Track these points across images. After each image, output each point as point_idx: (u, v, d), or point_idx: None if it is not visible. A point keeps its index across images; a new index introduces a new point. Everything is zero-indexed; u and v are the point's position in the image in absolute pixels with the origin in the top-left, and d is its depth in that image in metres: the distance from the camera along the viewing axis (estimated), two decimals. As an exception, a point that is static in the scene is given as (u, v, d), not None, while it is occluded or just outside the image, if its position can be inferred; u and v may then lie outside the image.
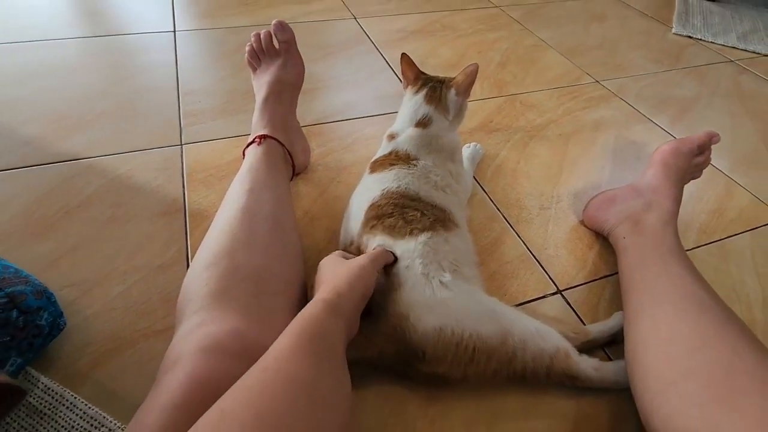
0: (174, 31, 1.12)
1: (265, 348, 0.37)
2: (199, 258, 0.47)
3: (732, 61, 1.22)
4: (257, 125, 0.67)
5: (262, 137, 0.64)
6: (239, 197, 0.54)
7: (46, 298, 0.48)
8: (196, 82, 0.95)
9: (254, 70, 0.73)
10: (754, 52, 1.27)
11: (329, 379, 0.34)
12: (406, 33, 1.20)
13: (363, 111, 0.90)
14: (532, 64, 1.12)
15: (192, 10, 1.23)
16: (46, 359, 0.48)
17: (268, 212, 0.54)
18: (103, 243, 0.61)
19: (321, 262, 0.51)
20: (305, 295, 0.53)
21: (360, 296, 0.44)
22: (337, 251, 0.53)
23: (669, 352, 0.42)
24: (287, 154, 0.67)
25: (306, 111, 0.88)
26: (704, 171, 0.72)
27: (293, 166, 0.69)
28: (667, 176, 0.64)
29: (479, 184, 0.76)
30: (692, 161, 0.67)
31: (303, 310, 0.39)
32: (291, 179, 0.70)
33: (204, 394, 0.31)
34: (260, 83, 0.71)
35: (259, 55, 0.71)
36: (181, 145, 0.78)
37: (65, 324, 0.50)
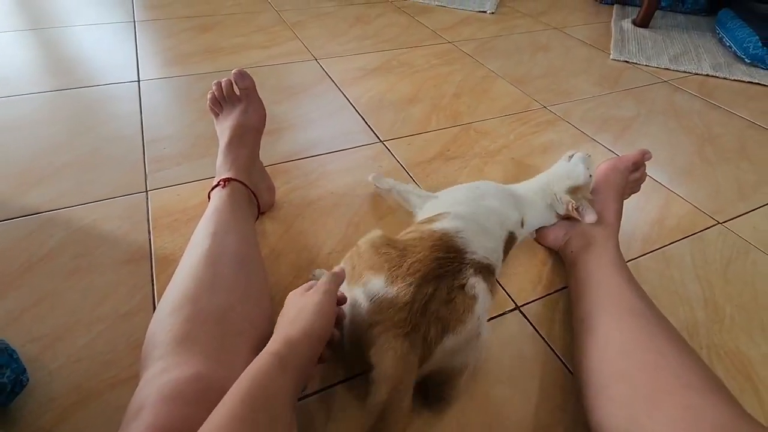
0: (138, 81, 1.15)
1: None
2: (163, 304, 0.48)
3: (665, 81, 1.33)
4: (221, 168, 0.70)
5: (227, 180, 0.66)
6: (203, 241, 0.55)
7: (8, 355, 0.48)
8: (161, 130, 0.97)
9: (216, 115, 0.76)
10: (685, 72, 1.39)
11: None
12: (365, 71, 1.27)
13: (326, 148, 0.94)
14: (484, 93, 1.19)
15: (156, 59, 1.27)
16: (9, 417, 0.48)
17: (233, 253, 0.55)
18: (66, 295, 0.61)
19: (287, 297, 0.52)
20: (269, 327, 0.54)
21: (317, 339, 0.42)
22: (307, 284, 0.52)
23: (603, 357, 0.45)
24: (252, 194, 0.69)
25: (272, 151, 0.91)
26: (646, 185, 0.78)
27: (258, 206, 0.72)
28: (608, 192, 0.70)
29: (438, 210, 0.80)
30: (629, 177, 0.73)
31: (252, 363, 0.38)
32: (257, 219, 0.72)
33: None
34: (223, 128, 0.74)
35: (221, 102, 0.75)
36: (147, 191, 0.80)
37: (28, 380, 0.49)
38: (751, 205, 0.85)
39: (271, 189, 0.78)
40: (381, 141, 0.97)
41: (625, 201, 0.75)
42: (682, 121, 1.13)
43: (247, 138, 0.73)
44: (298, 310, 0.44)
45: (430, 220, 0.59)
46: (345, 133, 1.00)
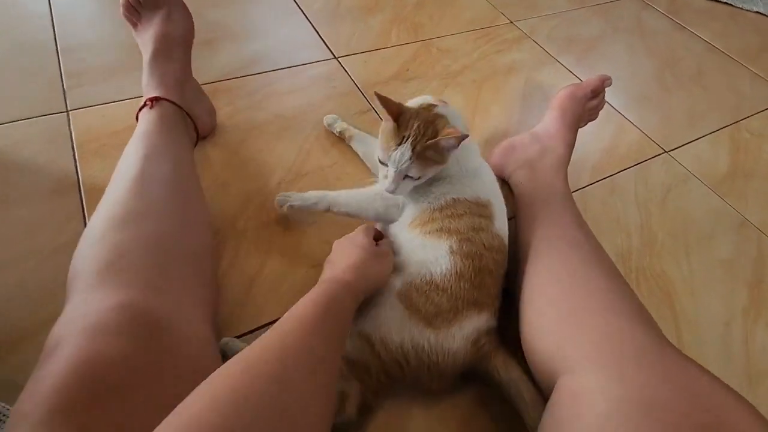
0: (43, -28, 0.96)
1: (163, 320, 0.37)
2: (87, 235, 0.44)
3: (637, -4, 1.27)
4: (148, 87, 0.62)
5: (154, 99, 0.59)
6: (131, 166, 0.50)
7: None
8: (77, 36, 0.84)
9: (135, 26, 0.65)
10: (657, -14, 1.33)
11: (336, 358, 0.37)
12: (317, -30, 1.12)
13: (273, 63, 0.85)
14: (450, 3, 1.09)
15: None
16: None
17: (166, 178, 0.51)
18: (-13, 230, 0.56)
19: (335, 243, 0.53)
20: (214, 264, 0.52)
21: (374, 283, 0.47)
22: (362, 227, 0.54)
23: (539, 286, 0.48)
24: (187, 116, 0.63)
25: (208, 66, 0.81)
26: (602, 111, 0.78)
27: (196, 129, 0.65)
28: (563, 121, 0.69)
29: (394, 136, 0.76)
30: (587, 105, 0.72)
31: (319, 288, 0.41)
32: (196, 144, 0.66)
33: (88, 378, 0.31)
34: (144, 40, 0.64)
35: (137, 8, 0.64)
36: (67, 111, 0.71)
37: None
38: (697, 134, 0.88)
39: (211, 110, 0.71)
40: (335, 57, 0.89)
41: (580, 129, 0.74)
42: (647, 41, 1.11)
43: (175, 51, 0.64)
44: (350, 255, 0.48)
45: (486, 214, 0.54)
46: (295, 46, 0.90)
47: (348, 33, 0.95)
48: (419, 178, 0.52)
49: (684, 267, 0.66)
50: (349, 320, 0.42)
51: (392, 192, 0.52)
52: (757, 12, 1.29)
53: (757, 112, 0.95)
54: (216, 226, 0.59)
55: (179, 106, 0.61)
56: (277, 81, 0.82)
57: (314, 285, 0.57)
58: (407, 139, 0.50)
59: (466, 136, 0.50)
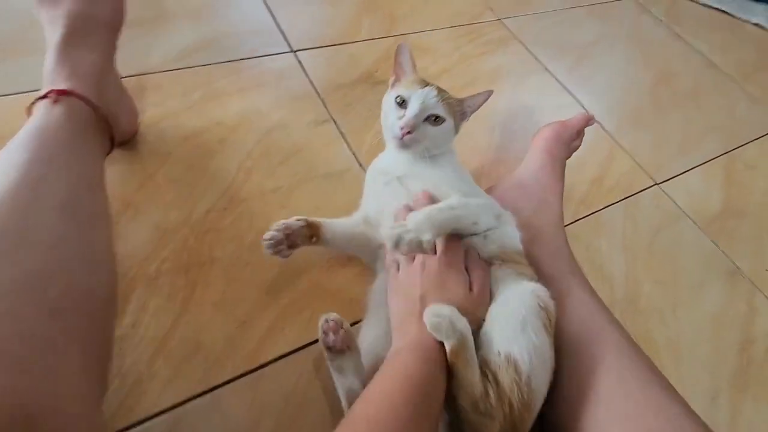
0: None
1: (30, 408, 0.26)
2: None
3: (635, -3, 1.17)
4: (55, 76, 0.47)
5: (62, 93, 0.44)
6: (10, 170, 0.36)
7: None
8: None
9: None
10: (656, -13, 1.23)
11: None
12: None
13: (217, 54, 0.72)
14: (432, -8, 0.97)
15: None
16: None
17: (60, 196, 0.37)
18: None
19: (406, 269, 0.45)
20: (111, 311, 0.39)
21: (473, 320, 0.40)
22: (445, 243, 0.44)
23: (595, 414, 0.37)
24: (103, 120, 0.48)
25: (134, 54, 0.67)
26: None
27: (112, 137, 0.51)
28: (554, 169, 0.60)
29: (356, 157, 0.65)
30: (570, 146, 0.63)
31: (410, 359, 0.36)
32: (108, 154, 0.53)
33: None
34: (53, 16, 0.49)
35: None
36: (-58, 105, 0.56)
37: None
38: (690, 163, 0.80)
39: (132, 112, 0.57)
40: (292, 50, 0.76)
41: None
42: (643, 50, 1.02)
43: (96, 36, 0.49)
44: (441, 286, 0.41)
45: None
46: (245, 33, 0.77)
47: (310, 19, 0.82)
48: (439, 125, 0.49)
49: (671, 325, 0.59)
50: (442, 400, 0.36)
51: (407, 131, 0.47)
52: (757, 24, 1.22)
53: (752, 140, 0.88)
54: (122, 268, 0.48)
55: (95, 107, 0.47)
56: (220, 77, 0.69)
57: (241, 349, 0.47)
58: (431, 86, 0.49)
59: (491, 92, 0.52)
